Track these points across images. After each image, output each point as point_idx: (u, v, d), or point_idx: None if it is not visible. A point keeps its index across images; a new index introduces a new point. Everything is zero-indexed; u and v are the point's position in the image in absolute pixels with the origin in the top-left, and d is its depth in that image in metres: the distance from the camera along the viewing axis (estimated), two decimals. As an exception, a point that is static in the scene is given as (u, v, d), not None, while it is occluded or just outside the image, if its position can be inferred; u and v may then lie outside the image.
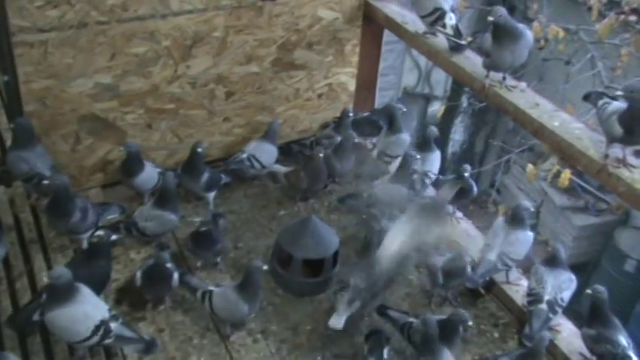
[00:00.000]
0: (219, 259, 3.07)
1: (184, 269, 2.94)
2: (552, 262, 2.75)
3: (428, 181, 3.44)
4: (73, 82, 3.06)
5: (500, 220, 3.00)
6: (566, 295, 2.70)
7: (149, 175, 3.25)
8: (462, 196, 3.30)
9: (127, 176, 3.23)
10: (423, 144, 3.49)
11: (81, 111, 3.15)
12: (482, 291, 3.01)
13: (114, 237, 2.69)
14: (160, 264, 2.72)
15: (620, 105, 2.42)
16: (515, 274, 3.03)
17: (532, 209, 2.92)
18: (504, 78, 2.96)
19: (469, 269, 2.85)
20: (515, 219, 2.90)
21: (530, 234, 2.92)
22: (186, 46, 3.25)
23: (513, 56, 2.84)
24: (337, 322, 2.67)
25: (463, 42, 3.00)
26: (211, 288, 2.69)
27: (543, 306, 2.67)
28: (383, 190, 3.24)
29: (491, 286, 3.03)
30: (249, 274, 2.62)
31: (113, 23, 3.00)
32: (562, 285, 2.70)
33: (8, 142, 3.40)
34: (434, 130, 3.51)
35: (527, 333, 2.65)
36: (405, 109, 3.73)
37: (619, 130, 2.36)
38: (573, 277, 2.74)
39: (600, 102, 2.52)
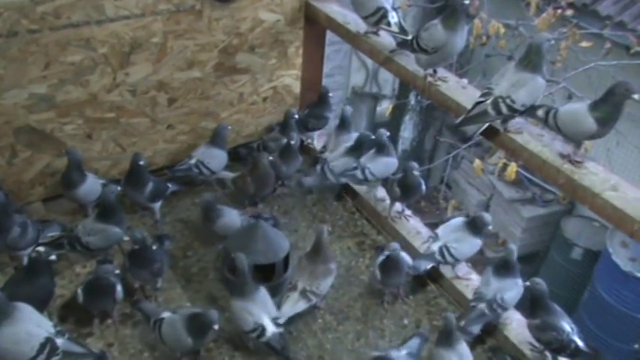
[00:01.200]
0: (159, 281, 2.93)
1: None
2: (502, 267, 2.76)
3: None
4: (6, 94, 2.94)
5: (459, 219, 3.04)
6: (508, 296, 2.71)
7: (91, 186, 3.16)
8: (410, 194, 3.32)
9: (68, 188, 3.14)
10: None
11: (16, 123, 3.04)
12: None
13: (53, 256, 2.62)
14: (101, 277, 2.64)
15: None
16: (464, 268, 3.07)
17: (489, 225, 2.93)
18: (435, 72, 2.97)
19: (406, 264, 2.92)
20: (473, 226, 2.93)
21: (478, 241, 2.95)
22: (124, 52, 3.17)
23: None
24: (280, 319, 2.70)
25: (409, 38, 3.00)
26: (163, 315, 2.57)
27: (482, 305, 2.72)
28: None
29: (438, 278, 3.07)
30: (200, 315, 2.50)
31: (45, 31, 2.89)
32: (505, 287, 2.71)
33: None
34: (384, 132, 3.39)
35: (461, 325, 2.70)
36: (351, 110, 3.77)
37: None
38: (519, 281, 2.74)
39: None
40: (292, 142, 3.45)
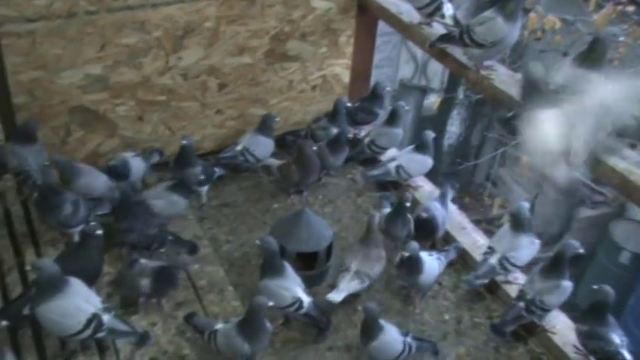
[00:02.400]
0: (164, 301, 2.81)
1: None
2: (549, 268, 2.69)
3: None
4: (63, 74, 3.02)
5: (506, 225, 2.95)
6: (550, 297, 2.64)
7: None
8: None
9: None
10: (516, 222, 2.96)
11: (71, 103, 3.12)
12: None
13: (99, 231, 2.62)
14: (169, 267, 2.69)
15: None
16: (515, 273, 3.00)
17: (528, 209, 2.86)
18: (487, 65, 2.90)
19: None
20: (518, 223, 2.86)
21: (536, 241, 2.88)
22: (177, 36, 3.20)
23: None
24: (336, 296, 2.78)
25: (455, 32, 2.93)
26: (217, 327, 2.53)
27: (521, 305, 2.66)
28: None
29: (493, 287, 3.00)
30: (251, 311, 2.46)
31: (103, 13, 2.95)
32: (548, 289, 2.64)
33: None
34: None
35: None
36: (407, 107, 3.71)
37: None
38: (565, 283, 2.66)
39: None
40: (342, 133, 3.44)
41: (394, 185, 3.61)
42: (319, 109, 3.88)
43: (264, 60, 3.53)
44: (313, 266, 3.01)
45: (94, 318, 2.34)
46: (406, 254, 2.77)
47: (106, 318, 2.37)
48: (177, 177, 3.27)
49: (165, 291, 2.73)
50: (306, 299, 2.67)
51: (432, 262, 2.87)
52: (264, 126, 3.52)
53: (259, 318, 2.45)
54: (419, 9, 3.21)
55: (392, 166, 3.43)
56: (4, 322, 2.24)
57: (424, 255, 2.85)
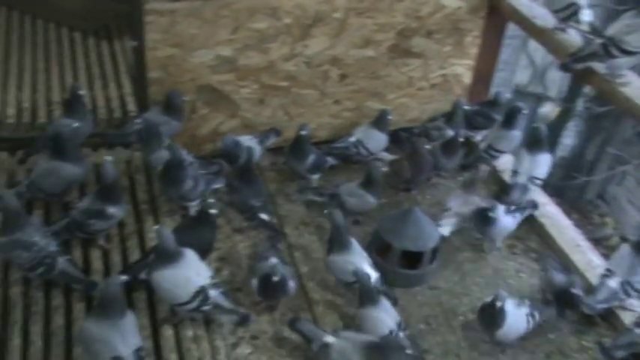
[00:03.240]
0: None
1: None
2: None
3: (531, 187, 3.25)
4: (195, 53, 3.14)
5: (625, 246, 2.80)
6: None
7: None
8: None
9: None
10: (533, 143, 3.27)
11: (200, 81, 3.24)
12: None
13: (214, 210, 2.70)
14: (273, 274, 2.58)
15: None
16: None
17: None
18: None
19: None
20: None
21: None
22: (306, 25, 3.25)
23: None
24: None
25: (599, 40, 2.79)
26: (328, 340, 2.39)
27: (613, 284, 2.69)
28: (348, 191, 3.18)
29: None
30: (385, 338, 2.38)
31: None
32: (637, 270, 2.67)
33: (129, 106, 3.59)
34: (543, 128, 3.29)
35: (587, 302, 2.71)
36: (526, 111, 3.58)
37: None
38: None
39: None
40: (457, 135, 3.39)
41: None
42: (436, 108, 3.81)
43: (387, 54, 3.52)
44: (417, 266, 2.98)
45: (202, 291, 2.42)
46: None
47: (212, 293, 2.45)
48: (289, 164, 3.35)
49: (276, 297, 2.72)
50: (374, 274, 2.67)
51: (518, 316, 2.62)
52: (379, 121, 3.51)
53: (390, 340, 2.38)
54: (555, 12, 3.09)
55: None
56: (124, 277, 2.36)
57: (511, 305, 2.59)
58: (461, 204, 3.17)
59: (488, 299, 2.60)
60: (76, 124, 2.94)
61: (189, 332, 2.52)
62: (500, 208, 3.04)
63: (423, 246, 2.95)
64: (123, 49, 4.06)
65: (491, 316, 2.58)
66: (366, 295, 2.55)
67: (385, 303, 2.59)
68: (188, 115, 3.32)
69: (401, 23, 3.43)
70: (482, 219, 3.03)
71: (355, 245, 2.76)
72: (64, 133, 2.80)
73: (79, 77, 3.77)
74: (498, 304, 2.53)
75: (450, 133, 3.50)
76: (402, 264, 2.96)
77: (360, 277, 2.57)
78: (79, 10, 4.28)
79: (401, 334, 2.51)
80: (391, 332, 2.49)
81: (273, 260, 2.66)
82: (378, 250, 3.00)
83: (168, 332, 2.50)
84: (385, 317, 2.54)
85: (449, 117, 3.62)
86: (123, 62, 3.95)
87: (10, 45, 3.99)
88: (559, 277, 2.82)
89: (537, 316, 2.66)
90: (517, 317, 2.61)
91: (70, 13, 4.26)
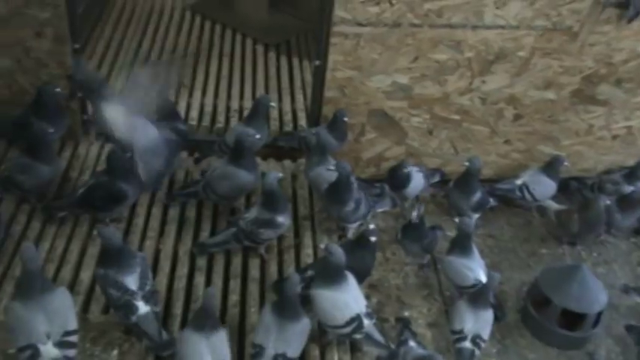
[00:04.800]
0: None
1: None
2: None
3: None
4: (373, 77, 3.16)
5: None
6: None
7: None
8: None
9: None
10: None
11: (373, 105, 3.26)
12: None
13: (374, 238, 2.66)
14: None
15: None
16: None
17: None
18: None
19: None
20: None
21: None
22: (487, 60, 3.17)
23: None
24: None
25: None
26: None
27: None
28: None
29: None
30: None
31: (425, 27, 3.03)
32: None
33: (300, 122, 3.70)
34: None
35: None
36: None
37: None
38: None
39: None
40: (638, 192, 3.14)
41: None
42: (615, 160, 3.57)
43: (568, 99, 3.34)
44: (577, 327, 2.79)
45: (357, 318, 2.41)
46: None
47: (366, 322, 2.43)
48: (452, 198, 3.28)
49: None
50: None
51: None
52: (550, 166, 3.36)
53: None
54: None
55: None
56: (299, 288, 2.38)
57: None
58: None
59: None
60: (258, 136, 3.05)
61: (334, 356, 2.53)
62: None
63: (587, 308, 2.77)
64: (300, 65, 4.20)
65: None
66: (457, 243, 2.82)
67: (475, 254, 2.81)
68: (356, 137, 3.36)
69: (589, 68, 3.24)
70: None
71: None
72: (245, 141, 2.92)
73: (257, 88, 3.93)
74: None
75: (630, 188, 3.27)
76: (561, 323, 2.79)
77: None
78: (265, 24, 4.51)
79: (366, 322, 2.44)
80: (477, 283, 2.70)
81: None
82: (535, 303, 2.86)
83: (315, 351, 2.52)
84: (472, 265, 2.76)
85: (631, 172, 3.38)
86: (299, 78, 4.08)
87: (200, 51, 4.26)
88: None
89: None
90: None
91: (256, 25, 4.49)
